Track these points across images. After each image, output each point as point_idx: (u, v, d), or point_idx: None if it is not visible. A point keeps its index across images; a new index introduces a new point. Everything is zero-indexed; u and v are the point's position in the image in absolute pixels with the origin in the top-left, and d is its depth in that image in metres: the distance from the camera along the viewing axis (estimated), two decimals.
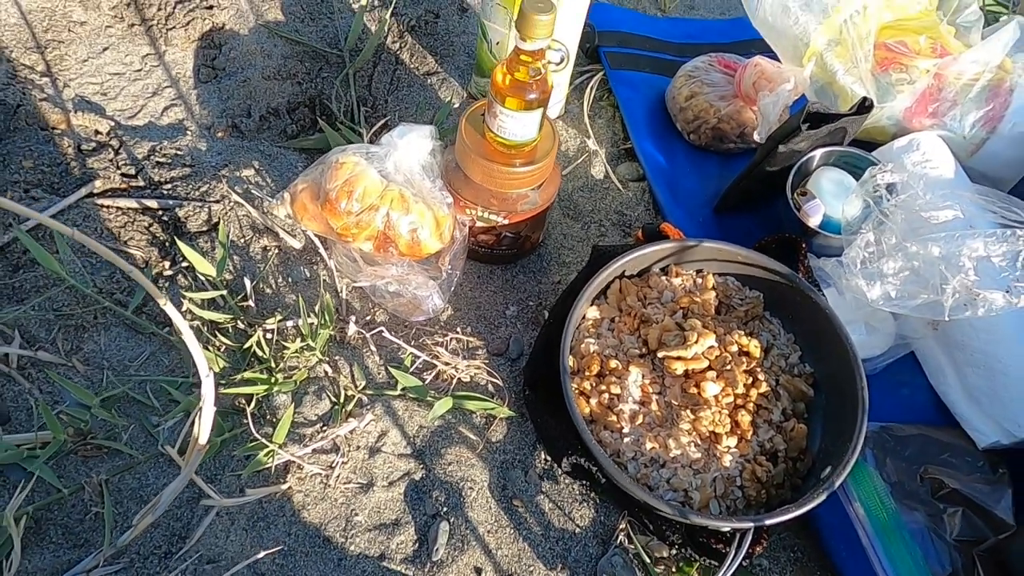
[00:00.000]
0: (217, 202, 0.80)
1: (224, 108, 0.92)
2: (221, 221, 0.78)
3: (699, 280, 0.75)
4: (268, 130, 0.93)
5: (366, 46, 0.97)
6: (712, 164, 0.93)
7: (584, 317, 0.72)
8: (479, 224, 0.77)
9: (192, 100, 0.92)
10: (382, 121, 0.90)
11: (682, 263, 0.76)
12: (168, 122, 0.90)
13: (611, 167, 0.92)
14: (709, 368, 0.66)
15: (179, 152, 0.86)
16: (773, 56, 0.90)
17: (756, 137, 0.79)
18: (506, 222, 0.76)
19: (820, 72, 0.83)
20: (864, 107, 0.77)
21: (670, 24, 1.08)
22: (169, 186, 0.81)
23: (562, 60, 0.65)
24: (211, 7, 0.99)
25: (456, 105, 0.96)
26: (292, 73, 0.96)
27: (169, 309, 0.48)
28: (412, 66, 0.99)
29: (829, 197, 0.78)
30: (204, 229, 0.78)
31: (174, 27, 0.97)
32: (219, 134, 0.91)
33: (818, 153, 0.81)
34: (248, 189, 0.82)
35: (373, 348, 0.72)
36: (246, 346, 0.68)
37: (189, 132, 0.89)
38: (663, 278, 0.75)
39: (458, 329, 0.76)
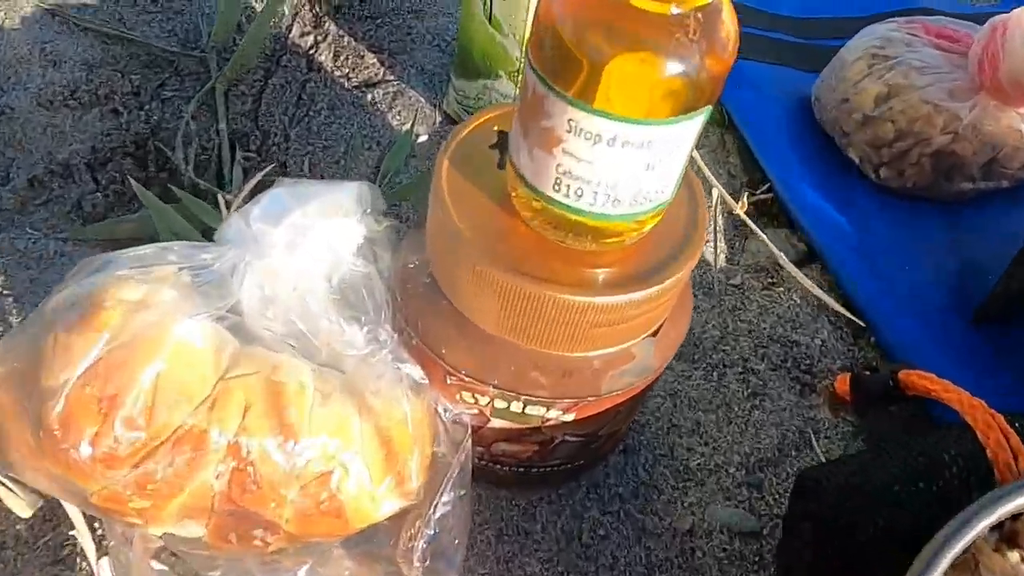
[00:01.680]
0: None
1: None
2: None
3: None
4: (46, 205, 0.45)
5: (246, 42, 0.51)
6: (932, 222, 0.47)
7: None
8: (496, 424, 0.29)
9: None
10: (266, 169, 0.42)
11: None
12: None
13: (741, 240, 0.46)
14: None
15: None
16: None
17: None
18: (571, 418, 0.29)
19: None
20: None
21: None
22: None
23: None
24: None
25: (422, 138, 0.49)
26: (102, 94, 0.49)
27: None
28: (338, 74, 0.53)
29: None
30: None
31: None
32: None
33: None
34: None
35: None
36: None
37: None
38: (1010, 556, 0.27)
39: None
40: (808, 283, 0.42)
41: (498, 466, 0.32)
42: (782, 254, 0.42)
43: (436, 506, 0.27)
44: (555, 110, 0.20)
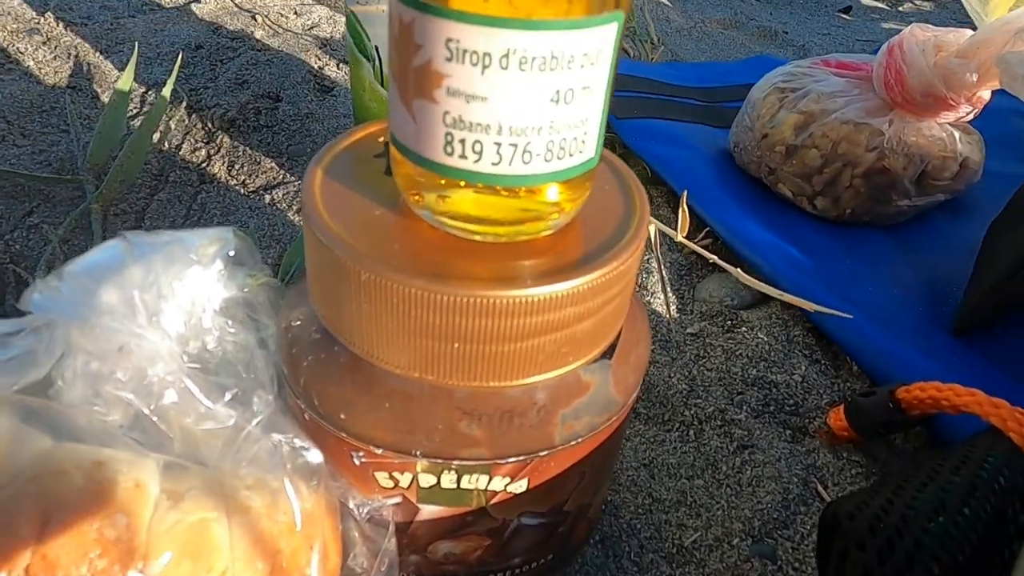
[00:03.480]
0: None
1: None
2: None
3: None
4: None
5: (125, 154, 0.46)
6: (881, 244, 0.44)
7: None
8: (428, 512, 0.22)
9: None
10: None
11: None
12: None
13: (688, 289, 0.41)
14: None
15: None
16: None
17: None
18: (522, 487, 0.22)
19: None
20: None
21: (674, 69, 0.64)
22: None
23: None
24: None
25: None
26: None
27: None
28: (233, 182, 0.48)
29: None
30: None
31: None
32: None
33: None
34: None
35: None
36: None
37: None
38: None
39: None
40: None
41: None
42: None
43: None
44: (429, 34, 0.15)
